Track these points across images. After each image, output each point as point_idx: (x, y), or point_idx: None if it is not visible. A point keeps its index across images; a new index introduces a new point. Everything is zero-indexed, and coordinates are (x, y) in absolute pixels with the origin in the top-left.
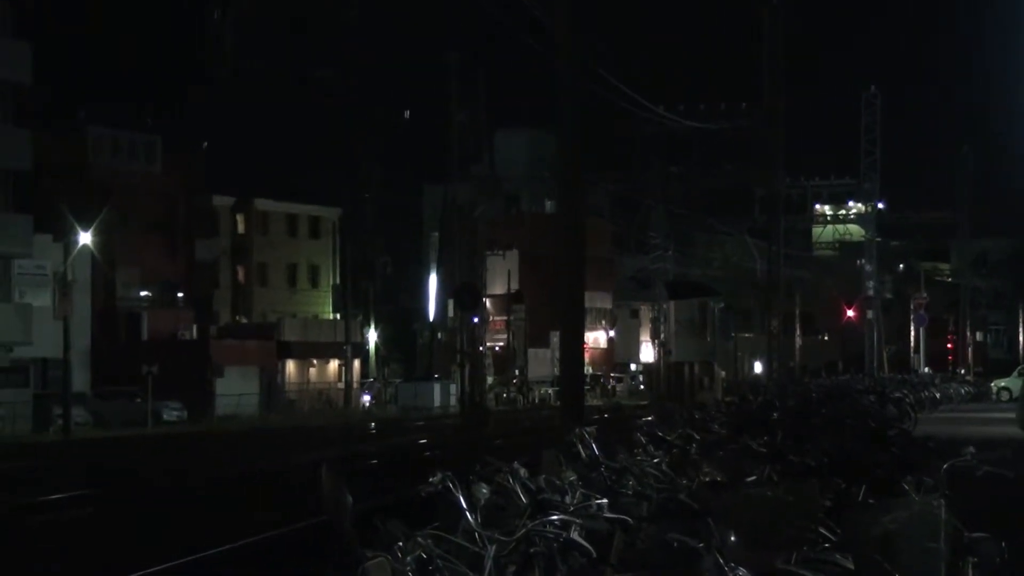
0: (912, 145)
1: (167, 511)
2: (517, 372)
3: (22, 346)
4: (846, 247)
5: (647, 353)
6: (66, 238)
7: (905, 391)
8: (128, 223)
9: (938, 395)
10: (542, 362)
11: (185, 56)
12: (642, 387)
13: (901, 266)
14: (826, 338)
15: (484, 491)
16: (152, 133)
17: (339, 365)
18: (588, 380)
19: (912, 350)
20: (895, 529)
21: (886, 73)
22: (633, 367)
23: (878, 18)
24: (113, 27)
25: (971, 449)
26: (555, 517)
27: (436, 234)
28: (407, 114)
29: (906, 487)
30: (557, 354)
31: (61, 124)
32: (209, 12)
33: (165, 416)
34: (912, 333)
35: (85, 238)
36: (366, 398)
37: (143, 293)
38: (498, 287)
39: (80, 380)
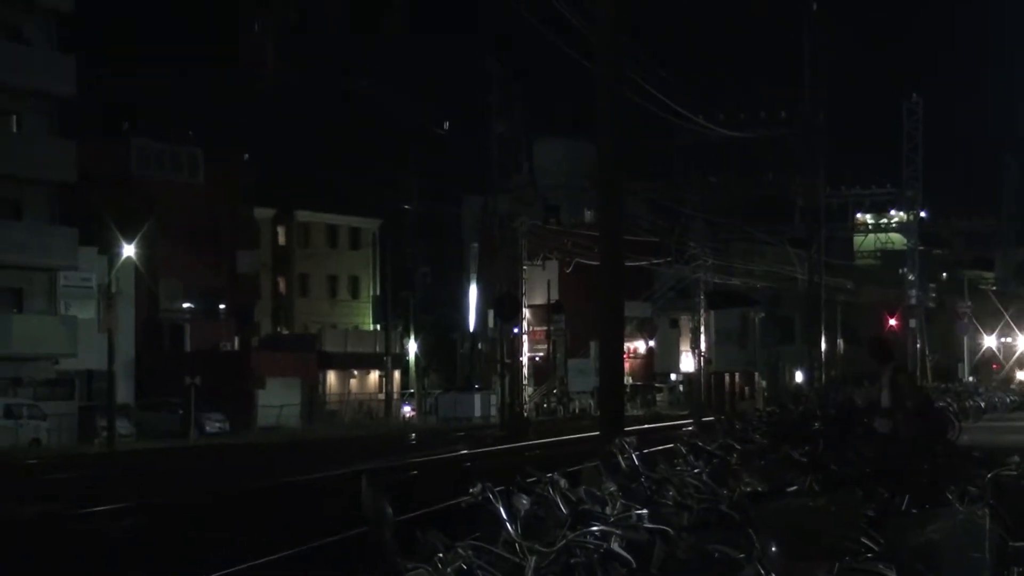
0: (954, 152)
1: (207, 522)
2: (557, 382)
3: (67, 358)
4: (888, 256)
5: (687, 363)
6: (110, 250)
7: (949, 400)
8: (170, 235)
9: (983, 404)
10: (582, 372)
11: (226, 68)
12: (679, 398)
13: (944, 275)
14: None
15: (524, 502)
16: (194, 145)
17: (379, 376)
18: (628, 390)
19: (956, 359)
20: (939, 539)
21: (927, 80)
22: (673, 377)
23: (920, 24)
24: (155, 40)
25: (1016, 458)
26: (595, 528)
27: (476, 245)
28: (446, 125)
29: (950, 496)
30: (597, 364)
31: (105, 136)
32: (250, 23)
33: (208, 428)
34: (955, 342)
35: (129, 250)
36: (407, 409)
37: (186, 305)
38: (538, 297)
39: (124, 392)
